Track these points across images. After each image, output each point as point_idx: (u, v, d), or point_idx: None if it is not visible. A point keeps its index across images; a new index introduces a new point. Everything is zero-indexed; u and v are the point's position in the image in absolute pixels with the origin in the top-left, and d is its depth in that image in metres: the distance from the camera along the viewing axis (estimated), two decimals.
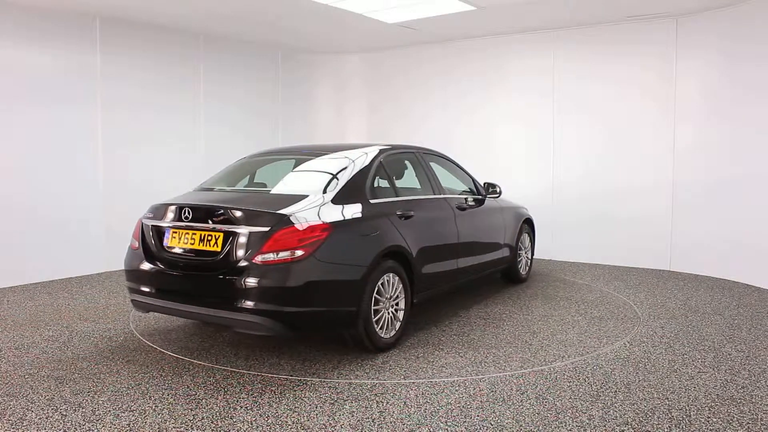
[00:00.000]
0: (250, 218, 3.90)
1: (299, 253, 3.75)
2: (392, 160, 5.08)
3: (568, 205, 8.05)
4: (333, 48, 9.52)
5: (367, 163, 4.62)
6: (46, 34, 6.80)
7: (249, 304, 3.74)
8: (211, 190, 4.75)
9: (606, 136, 7.78)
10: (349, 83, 10.02)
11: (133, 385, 3.76)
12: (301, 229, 3.82)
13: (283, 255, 3.73)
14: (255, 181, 5.05)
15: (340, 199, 4.21)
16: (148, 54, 7.68)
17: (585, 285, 6.65)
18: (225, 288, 3.82)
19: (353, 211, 4.21)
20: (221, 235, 3.93)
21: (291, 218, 3.85)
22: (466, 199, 5.70)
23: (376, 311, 4.24)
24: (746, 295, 6.18)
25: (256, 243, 3.80)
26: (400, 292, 4.47)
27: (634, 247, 7.69)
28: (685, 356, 4.29)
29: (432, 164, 5.57)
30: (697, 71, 7.12)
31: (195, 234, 4.04)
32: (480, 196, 5.95)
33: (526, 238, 6.75)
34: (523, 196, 7.75)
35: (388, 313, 4.37)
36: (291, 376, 3.93)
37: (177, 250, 4.12)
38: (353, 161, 4.57)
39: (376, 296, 4.22)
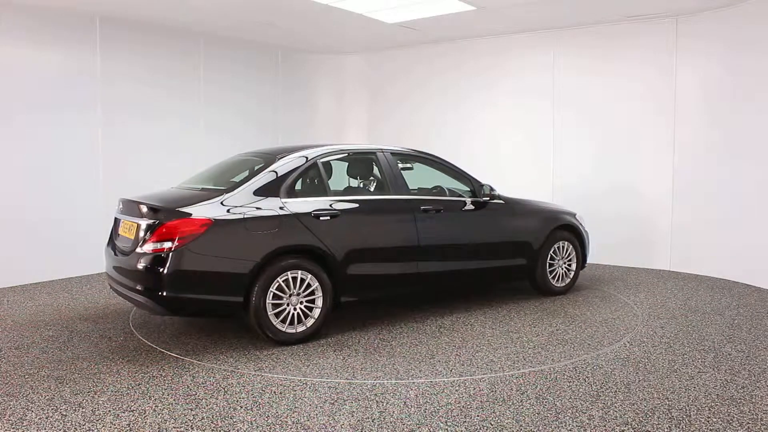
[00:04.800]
0: (151, 212, 4.46)
1: (176, 243, 4.20)
2: (342, 161, 5.30)
3: (568, 205, 8.02)
4: (333, 48, 9.51)
5: (295, 165, 4.83)
6: (45, 34, 6.79)
7: (139, 286, 4.36)
8: (174, 188, 5.23)
9: (606, 136, 7.77)
10: (349, 83, 10.01)
11: (133, 385, 3.76)
12: (182, 223, 4.26)
13: (166, 245, 4.22)
14: (221, 180, 5.09)
15: (245, 197, 4.52)
16: (148, 54, 7.67)
17: (585, 286, 6.65)
18: (131, 272, 4.44)
19: (252, 209, 4.46)
20: (136, 226, 4.52)
21: (176, 213, 4.31)
22: (442, 200, 5.47)
23: (278, 305, 4.44)
24: (746, 295, 6.17)
25: (149, 234, 4.34)
26: (316, 290, 4.58)
27: (634, 247, 7.69)
28: (685, 356, 4.29)
29: (414, 165, 5.51)
30: (697, 71, 7.12)
31: (126, 225, 4.69)
32: (481, 199, 5.66)
33: (566, 246, 6.16)
34: (524, 196, 7.73)
35: (295, 309, 4.52)
36: (291, 376, 3.93)
37: (120, 239, 4.77)
38: (284, 163, 4.80)
39: (277, 292, 4.44)
